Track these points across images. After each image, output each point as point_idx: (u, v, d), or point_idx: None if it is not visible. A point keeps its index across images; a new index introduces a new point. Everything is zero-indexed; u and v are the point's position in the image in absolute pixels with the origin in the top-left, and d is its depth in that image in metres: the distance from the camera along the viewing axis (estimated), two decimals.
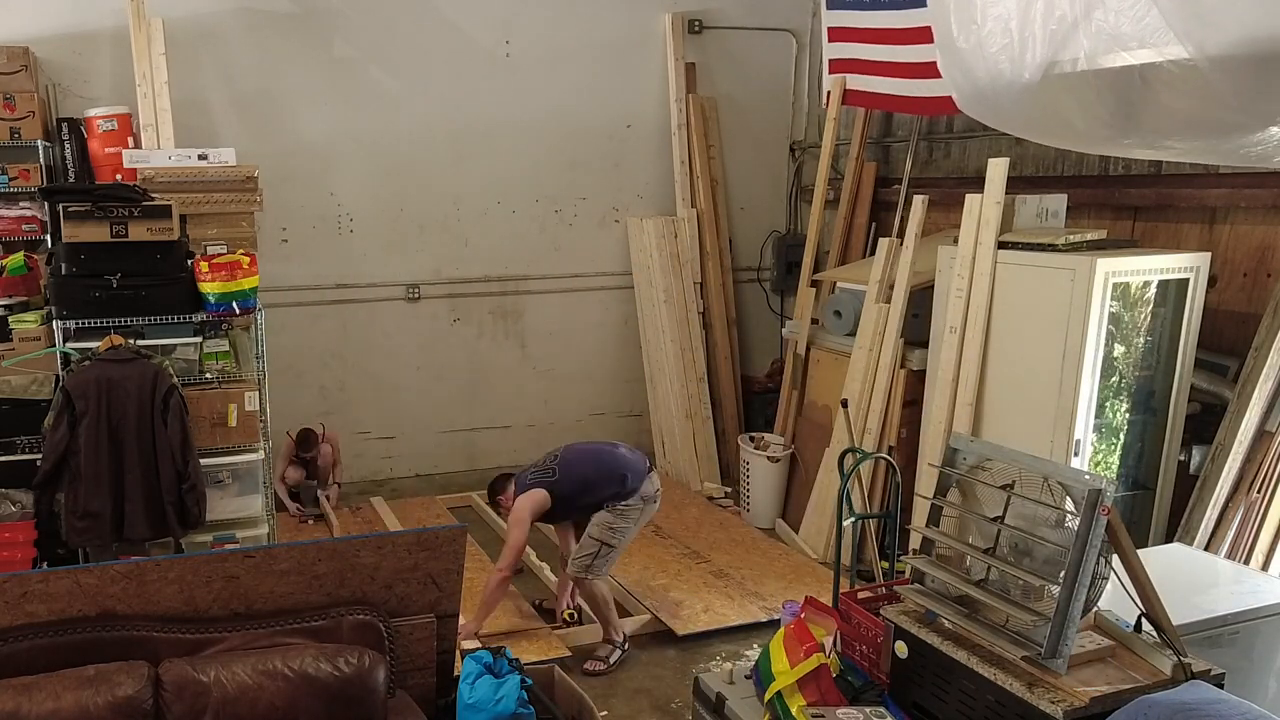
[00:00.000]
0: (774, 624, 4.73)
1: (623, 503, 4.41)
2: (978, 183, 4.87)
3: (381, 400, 6.92)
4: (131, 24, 5.57)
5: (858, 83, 6.23)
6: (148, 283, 4.33)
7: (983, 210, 4.73)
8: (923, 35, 5.55)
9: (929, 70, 5.51)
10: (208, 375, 4.59)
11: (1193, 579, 3.32)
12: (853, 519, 3.90)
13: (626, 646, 4.58)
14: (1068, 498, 2.60)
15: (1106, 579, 2.59)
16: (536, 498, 4.40)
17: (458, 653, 3.79)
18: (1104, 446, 4.47)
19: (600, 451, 4.58)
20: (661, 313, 6.97)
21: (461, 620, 4.13)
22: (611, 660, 4.50)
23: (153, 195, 4.58)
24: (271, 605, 3.06)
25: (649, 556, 5.59)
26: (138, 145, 5.52)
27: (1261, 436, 4.11)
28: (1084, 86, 3.37)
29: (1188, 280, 4.41)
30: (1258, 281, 4.52)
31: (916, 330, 5.30)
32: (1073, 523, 2.55)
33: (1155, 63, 3.07)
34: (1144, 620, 2.64)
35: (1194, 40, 2.84)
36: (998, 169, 4.72)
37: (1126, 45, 3.13)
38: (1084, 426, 4.31)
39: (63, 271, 4.27)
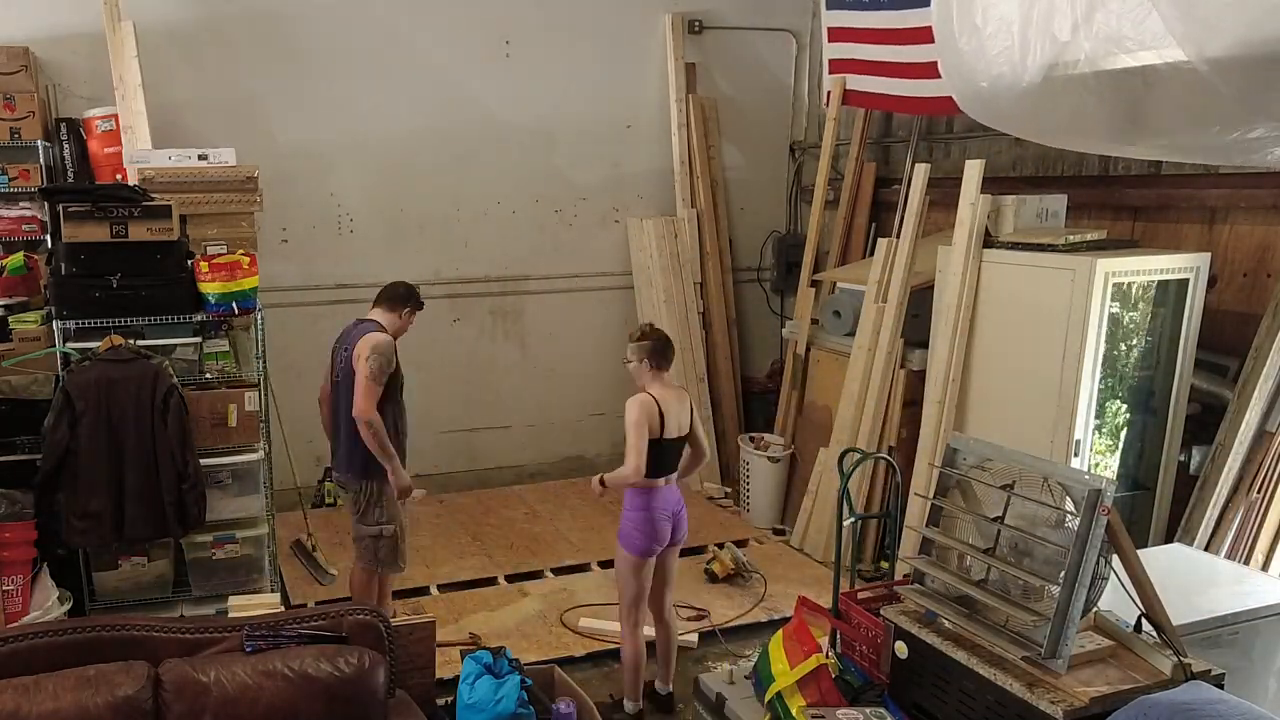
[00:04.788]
0: (774, 624, 4.74)
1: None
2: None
3: None
4: (105, 27, 5.53)
5: (858, 83, 6.24)
6: (148, 283, 4.32)
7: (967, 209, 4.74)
8: (923, 35, 5.54)
9: (929, 70, 5.51)
10: (208, 375, 4.59)
11: (1193, 579, 3.32)
12: (852, 519, 3.90)
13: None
14: (1068, 498, 2.60)
15: (1106, 579, 2.60)
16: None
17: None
18: (1104, 447, 4.47)
19: None
20: (661, 313, 6.97)
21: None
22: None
23: (152, 195, 4.58)
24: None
25: None
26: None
27: (1261, 436, 4.11)
28: (1085, 88, 3.38)
29: (1188, 280, 4.42)
30: (1258, 281, 4.52)
31: (916, 330, 5.30)
32: (1073, 523, 2.55)
33: (1156, 65, 3.08)
34: (1144, 620, 2.64)
35: (1194, 43, 2.84)
36: (973, 170, 4.75)
37: (1127, 48, 3.14)
38: (1084, 426, 4.31)
39: (63, 271, 4.26)
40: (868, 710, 2.85)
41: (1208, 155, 3.72)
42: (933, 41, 5.04)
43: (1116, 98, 3.34)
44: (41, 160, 5.46)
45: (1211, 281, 4.51)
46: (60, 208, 4.22)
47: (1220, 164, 4.48)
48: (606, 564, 5.53)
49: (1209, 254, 4.47)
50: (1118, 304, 4.30)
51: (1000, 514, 2.76)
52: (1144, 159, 4.98)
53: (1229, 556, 4.03)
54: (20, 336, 4.35)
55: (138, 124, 5.44)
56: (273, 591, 4.64)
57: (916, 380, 5.25)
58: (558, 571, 5.43)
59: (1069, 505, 2.59)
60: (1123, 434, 4.52)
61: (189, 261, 4.51)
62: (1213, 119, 3.14)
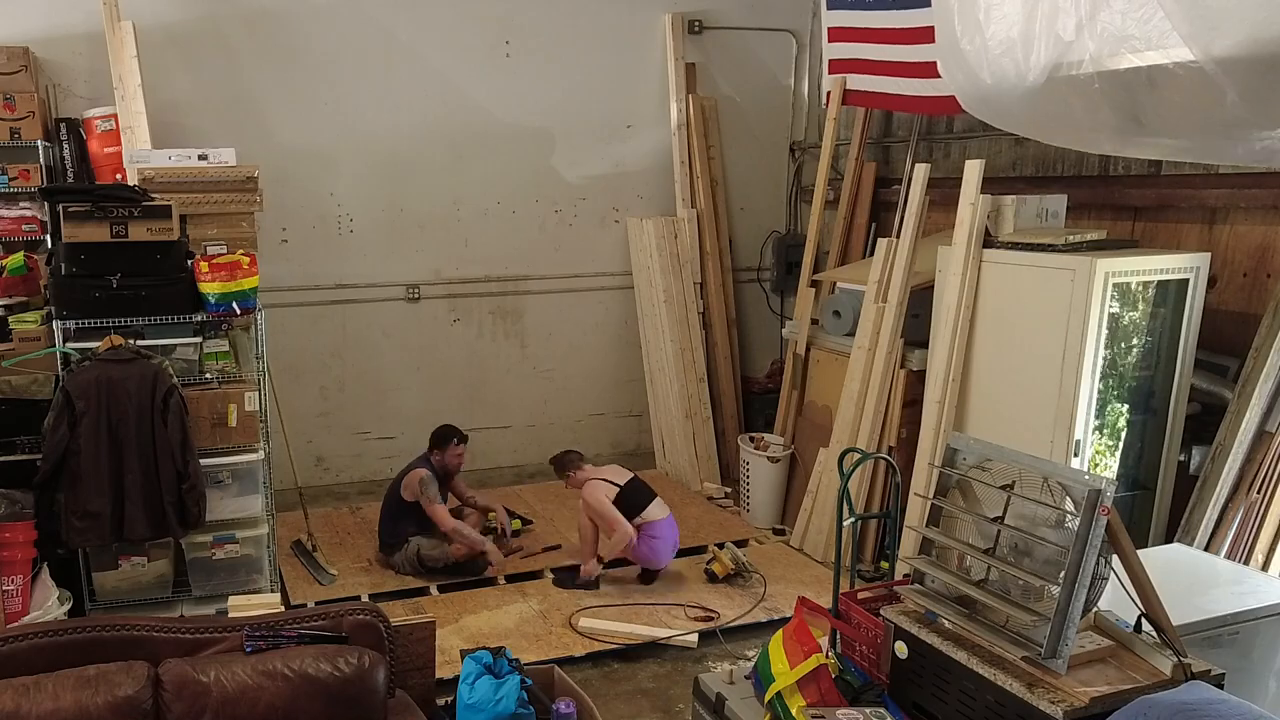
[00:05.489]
0: (774, 624, 4.74)
1: None
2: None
3: (381, 400, 6.92)
4: (105, 27, 5.54)
5: (858, 83, 6.23)
6: (148, 283, 4.33)
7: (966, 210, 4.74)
8: (923, 35, 5.55)
9: (929, 70, 5.51)
10: (208, 375, 4.59)
11: (1193, 579, 3.32)
12: (852, 519, 3.89)
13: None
14: (1068, 498, 2.60)
15: (1106, 579, 2.59)
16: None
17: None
18: (1104, 447, 4.47)
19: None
20: (661, 313, 6.97)
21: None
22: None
23: (152, 195, 4.58)
24: None
25: None
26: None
27: (1261, 436, 4.11)
28: (1089, 88, 3.36)
29: (1188, 280, 4.42)
30: (1258, 281, 4.52)
31: (916, 330, 5.30)
32: (1073, 523, 2.55)
33: (1161, 64, 3.07)
34: (1144, 620, 2.64)
35: (1199, 42, 2.83)
36: (973, 170, 4.75)
37: (1132, 47, 3.13)
38: (1084, 426, 4.31)
39: (63, 271, 4.26)
40: (868, 710, 2.85)
41: (1215, 155, 3.72)
42: (933, 41, 5.06)
43: (1121, 98, 3.33)
44: (41, 160, 5.46)
45: (1211, 281, 4.51)
46: (60, 208, 4.22)
47: (1226, 164, 4.48)
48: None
49: (1209, 254, 4.47)
50: (1118, 304, 4.30)
51: (1000, 514, 2.76)
52: (1145, 159, 4.98)
53: (1229, 556, 4.03)
54: (20, 336, 4.35)
55: (137, 124, 5.44)
56: (273, 591, 4.65)
57: (916, 380, 5.25)
58: (558, 572, 5.43)
59: (1069, 505, 2.59)
60: (1123, 434, 4.52)
61: (189, 261, 4.51)
62: (1219, 120, 3.13)
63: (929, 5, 5.35)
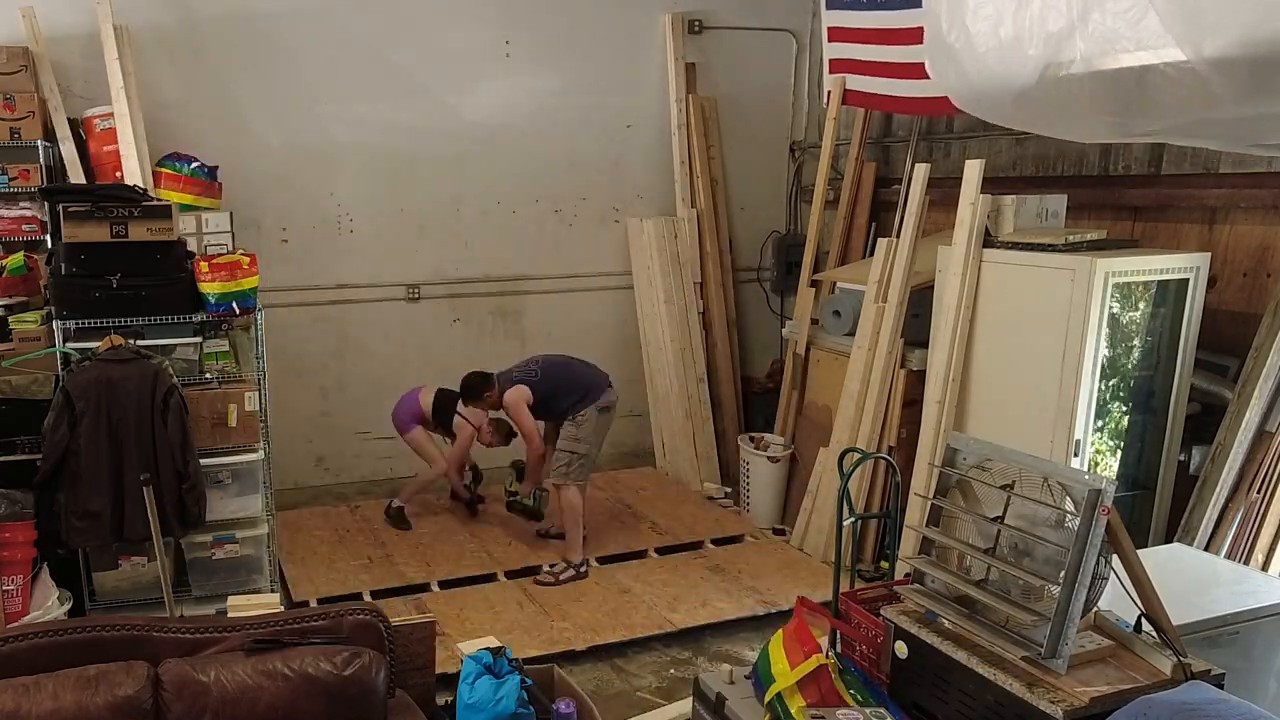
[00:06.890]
0: (770, 619, 4.75)
1: (580, 413, 5.23)
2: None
3: (382, 400, 6.88)
4: (102, 27, 5.52)
5: (857, 83, 6.23)
6: (148, 283, 4.33)
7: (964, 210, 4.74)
8: (921, 35, 5.54)
9: (927, 71, 5.50)
10: (208, 375, 4.59)
11: (1193, 579, 3.32)
12: (852, 519, 3.89)
13: (584, 570, 5.27)
14: (1068, 498, 2.60)
15: (1106, 579, 2.60)
16: (523, 392, 5.23)
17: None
18: (1104, 447, 4.47)
19: (571, 362, 5.50)
20: (661, 313, 6.97)
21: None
22: (562, 578, 5.18)
23: (152, 195, 4.58)
24: None
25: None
26: None
27: (1261, 436, 4.11)
28: (1081, 87, 3.37)
29: (1188, 280, 4.42)
30: (1258, 281, 4.53)
31: (916, 330, 5.30)
32: (1073, 523, 2.55)
33: (1153, 65, 3.08)
34: (1144, 620, 2.64)
35: (1191, 43, 2.84)
36: (973, 170, 4.75)
37: (1124, 48, 3.14)
38: (1084, 426, 4.31)
39: (63, 271, 4.26)
40: (868, 710, 2.85)
41: (1214, 145, 3.72)
42: None
43: (1113, 97, 3.34)
44: (41, 160, 5.46)
45: (1211, 281, 4.51)
46: (60, 208, 4.22)
47: (1228, 155, 4.48)
48: (606, 560, 5.54)
49: (1209, 254, 4.48)
50: (1118, 304, 4.30)
51: (1000, 514, 2.77)
52: (1145, 160, 4.99)
53: (1229, 556, 4.03)
54: (20, 336, 4.35)
55: (122, 127, 5.44)
56: (273, 591, 4.65)
57: (916, 380, 5.25)
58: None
59: (1069, 505, 2.59)
60: (1123, 434, 4.52)
61: (189, 261, 4.52)
62: (1212, 119, 3.14)
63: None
